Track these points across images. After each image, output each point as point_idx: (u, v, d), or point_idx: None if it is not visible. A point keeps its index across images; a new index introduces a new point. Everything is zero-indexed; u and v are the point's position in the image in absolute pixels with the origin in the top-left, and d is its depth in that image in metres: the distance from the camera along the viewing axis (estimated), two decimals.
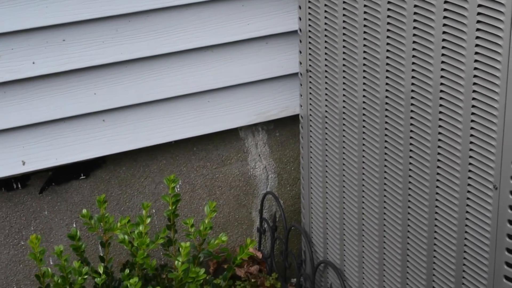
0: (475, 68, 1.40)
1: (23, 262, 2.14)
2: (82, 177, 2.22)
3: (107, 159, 2.24)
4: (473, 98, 1.44)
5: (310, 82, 2.06)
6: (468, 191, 1.49)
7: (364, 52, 1.74)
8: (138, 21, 2.11)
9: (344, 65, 1.84)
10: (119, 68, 2.17)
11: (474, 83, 1.44)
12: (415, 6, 1.51)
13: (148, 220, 1.96)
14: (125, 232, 1.96)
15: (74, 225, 2.20)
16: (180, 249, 1.95)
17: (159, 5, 2.08)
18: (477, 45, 1.39)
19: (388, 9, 1.60)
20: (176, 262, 1.95)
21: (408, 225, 1.71)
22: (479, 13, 1.35)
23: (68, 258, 1.92)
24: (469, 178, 1.47)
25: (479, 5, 1.32)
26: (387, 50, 1.66)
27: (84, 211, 1.94)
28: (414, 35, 1.52)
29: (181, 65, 2.20)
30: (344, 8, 1.79)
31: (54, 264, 2.00)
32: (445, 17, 1.43)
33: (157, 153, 2.28)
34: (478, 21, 1.33)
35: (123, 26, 2.05)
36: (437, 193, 1.58)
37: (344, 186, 1.98)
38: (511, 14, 1.28)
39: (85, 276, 1.91)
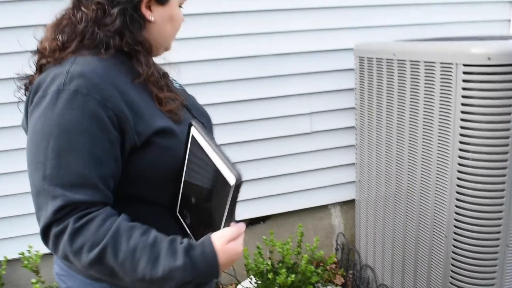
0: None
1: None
2: (261, 223, 2.71)
3: (271, 215, 2.65)
4: (437, 171, 1.57)
5: (360, 185, 2.45)
6: (433, 237, 1.70)
7: (386, 168, 2.01)
8: None
9: (376, 175, 2.19)
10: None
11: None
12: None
13: (290, 244, 2.34)
14: (281, 247, 2.35)
15: (257, 242, 2.66)
16: (303, 258, 2.32)
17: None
18: None
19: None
20: (301, 263, 2.31)
21: (405, 250, 2.02)
22: None
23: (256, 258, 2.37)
24: (434, 230, 1.66)
25: None
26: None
27: (264, 237, 2.44)
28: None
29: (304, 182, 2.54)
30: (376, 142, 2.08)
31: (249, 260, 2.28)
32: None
33: (292, 214, 2.72)
34: None
35: None
36: (419, 237, 1.82)
37: (375, 232, 2.35)
38: None
39: (263, 265, 2.29)
